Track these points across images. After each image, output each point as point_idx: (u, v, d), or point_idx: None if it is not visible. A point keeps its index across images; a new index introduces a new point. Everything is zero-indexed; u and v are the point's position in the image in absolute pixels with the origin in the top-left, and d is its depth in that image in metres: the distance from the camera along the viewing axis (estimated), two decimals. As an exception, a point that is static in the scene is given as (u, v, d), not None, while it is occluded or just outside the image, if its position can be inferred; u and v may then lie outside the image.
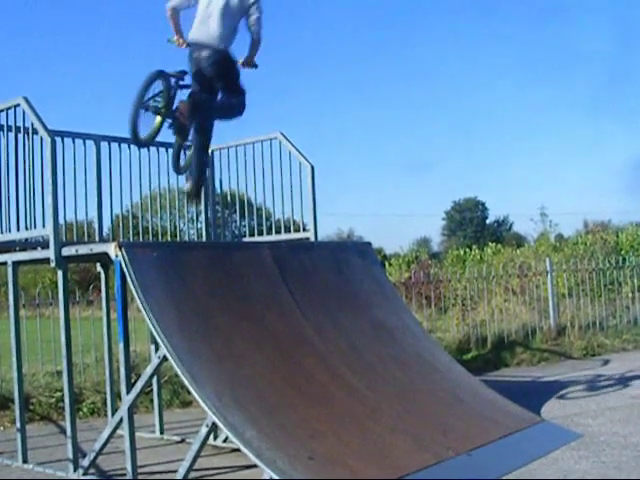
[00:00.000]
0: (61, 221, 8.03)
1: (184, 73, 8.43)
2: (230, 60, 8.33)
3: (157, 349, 7.12)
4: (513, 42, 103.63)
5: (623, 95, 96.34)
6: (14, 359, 8.17)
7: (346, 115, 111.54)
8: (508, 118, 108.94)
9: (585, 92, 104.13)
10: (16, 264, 8.24)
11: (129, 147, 9.32)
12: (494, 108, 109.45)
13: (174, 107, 8.25)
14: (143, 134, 8.23)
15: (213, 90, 8.40)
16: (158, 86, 8.21)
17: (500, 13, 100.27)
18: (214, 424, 6.37)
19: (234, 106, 8.46)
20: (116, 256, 7.03)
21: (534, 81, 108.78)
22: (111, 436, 7.33)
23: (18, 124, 7.94)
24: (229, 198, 10.88)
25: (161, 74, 8.22)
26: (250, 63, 8.49)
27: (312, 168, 9.81)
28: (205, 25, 8.27)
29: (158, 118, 8.31)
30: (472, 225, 78.83)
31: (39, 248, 8.27)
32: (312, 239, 9.94)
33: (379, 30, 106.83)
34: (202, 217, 10.58)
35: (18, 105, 7.81)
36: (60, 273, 7.67)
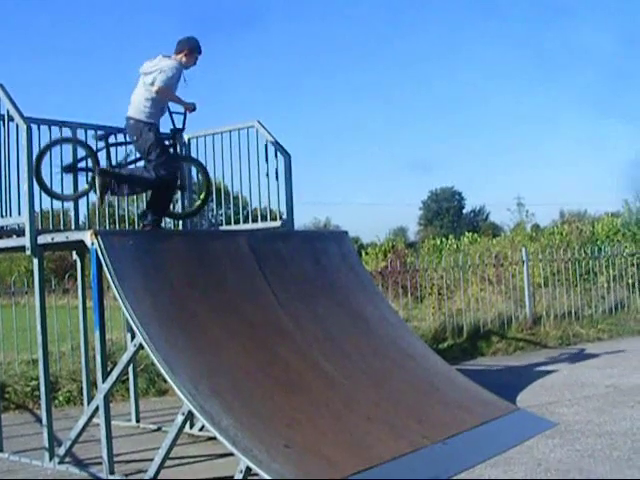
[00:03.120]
0: (37, 209, 7.99)
1: (112, 132, 8.96)
2: (143, 128, 8.45)
3: (133, 337, 7.12)
4: (504, 39, 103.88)
5: (598, 89, 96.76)
6: (-11, 347, 8.15)
7: (325, 104, 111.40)
8: (487, 110, 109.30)
9: (564, 86, 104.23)
10: (-9, 252, 8.20)
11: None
12: (473, 100, 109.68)
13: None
14: (76, 191, 8.84)
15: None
16: (81, 151, 8.71)
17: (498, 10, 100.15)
18: (190, 412, 6.37)
19: (147, 181, 8.54)
20: (92, 244, 7.01)
21: (515, 74, 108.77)
22: (87, 424, 7.33)
23: (-6, 111, 7.90)
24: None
25: (65, 140, 8.72)
26: (187, 109, 8.69)
27: (288, 157, 9.79)
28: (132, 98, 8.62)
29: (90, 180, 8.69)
30: (449, 215, 78.92)
31: (14, 236, 8.22)
32: (286, 228, 9.92)
33: (376, 26, 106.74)
34: (178, 205, 10.52)
35: (-7, 92, 7.76)
36: (36, 261, 7.64)
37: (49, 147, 8.40)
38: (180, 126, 8.80)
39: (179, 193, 9.85)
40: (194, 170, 9.91)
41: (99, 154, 8.76)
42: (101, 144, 8.83)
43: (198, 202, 9.36)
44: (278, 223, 9.94)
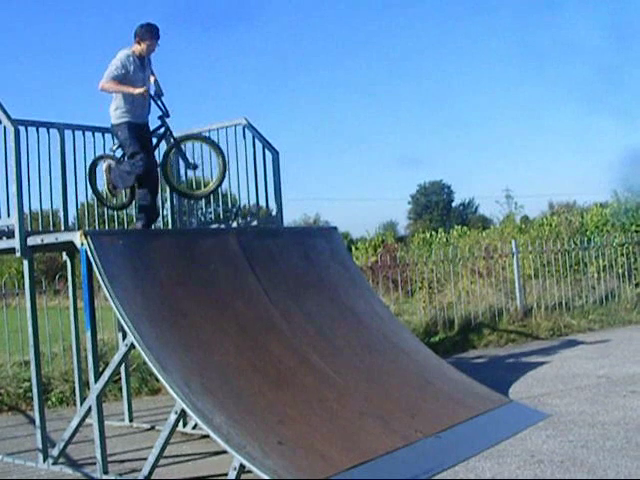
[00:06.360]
0: (26, 210, 7.97)
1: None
2: (117, 131, 8.80)
3: (124, 337, 7.11)
4: (493, 33, 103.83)
5: (586, 82, 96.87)
6: (-19, 350, 8.13)
7: (313, 99, 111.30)
8: (474, 103, 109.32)
9: (552, 79, 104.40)
10: (-19, 254, 8.18)
11: (93, 135, 9.27)
12: (461, 93, 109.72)
13: None
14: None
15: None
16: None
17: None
18: (183, 411, 6.37)
19: (128, 172, 8.81)
20: (82, 245, 7.01)
21: (503, 68, 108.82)
22: (80, 425, 7.33)
23: (-20, 113, 7.88)
24: (194, 185, 10.81)
25: (106, 157, 9.24)
26: (138, 96, 8.72)
27: (277, 154, 9.79)
28: None
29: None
30: (438, 208, 78.92)
31: (4, 238, 8.19)
32: (276, 224, 9.92)
33: (366, 21, 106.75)
34: (168, 204, 10.51)
35: (-20, 94, 7.75)
36: (26, 263, 7.64)
37: (96, 162, 9.17)
38: (161, 111, 8.90)
39: (191, 172, 9.93)
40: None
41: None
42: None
43: (214, 181, 9.30)
44: (254, 222, 9.94)
